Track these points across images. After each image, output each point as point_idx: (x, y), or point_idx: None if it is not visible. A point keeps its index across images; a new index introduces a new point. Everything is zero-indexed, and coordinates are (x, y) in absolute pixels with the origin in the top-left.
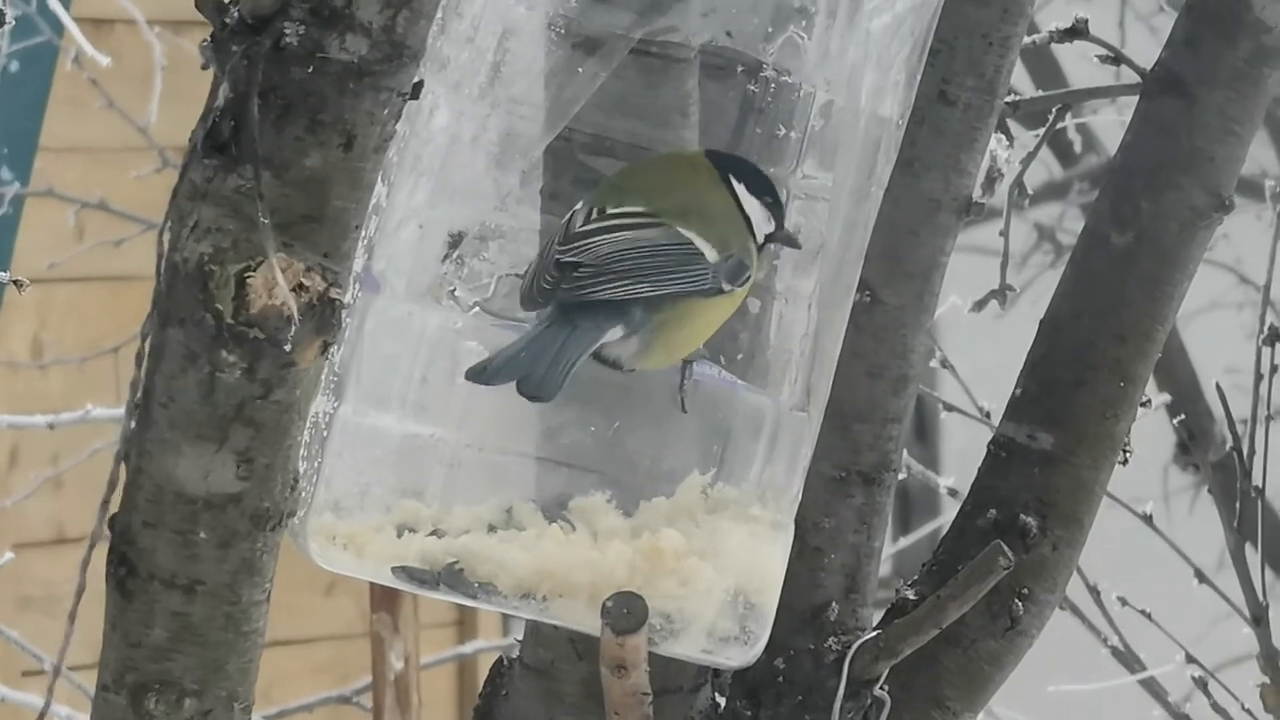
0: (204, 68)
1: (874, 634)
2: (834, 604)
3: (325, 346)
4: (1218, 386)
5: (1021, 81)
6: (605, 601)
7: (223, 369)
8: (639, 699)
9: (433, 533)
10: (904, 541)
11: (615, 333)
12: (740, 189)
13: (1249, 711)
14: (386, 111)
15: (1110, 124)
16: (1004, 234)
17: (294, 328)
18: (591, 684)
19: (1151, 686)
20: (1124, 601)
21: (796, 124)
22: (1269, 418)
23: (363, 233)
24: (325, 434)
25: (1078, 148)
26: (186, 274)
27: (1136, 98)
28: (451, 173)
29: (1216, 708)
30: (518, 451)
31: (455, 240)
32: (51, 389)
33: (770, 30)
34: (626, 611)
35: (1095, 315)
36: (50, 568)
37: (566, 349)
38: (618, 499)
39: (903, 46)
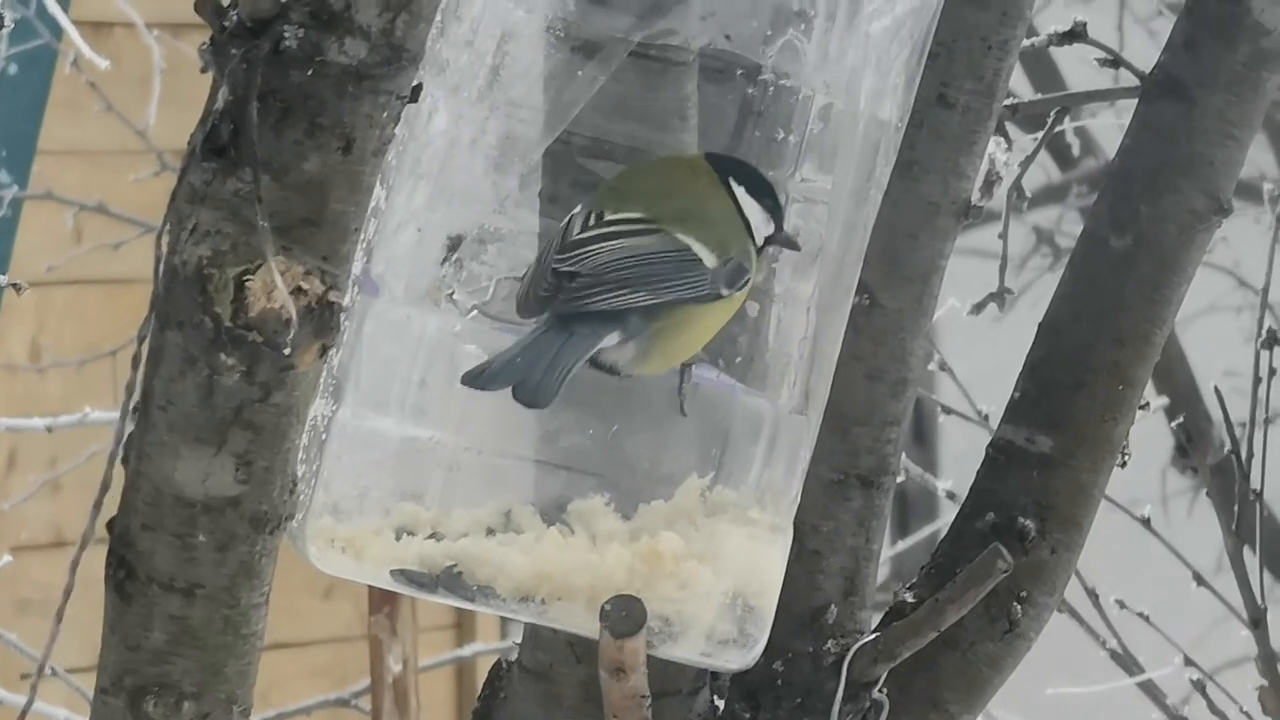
0: (203, 71)
1: (872, 637)
2: (832, 607)
3: (324, 349)
4: (1216, 390)
5: (1020, 84)
6: (604, 604)
7: (221, 372)
8: (638, 702)
9: (431, 536)
10: (902, 544)
11: (612, 339)
12: (739, 191)
13: (1247, 714)
14: (385, 115)
15: (1109, 127)
16: (1003, 237)
17: (293, 331)
18: (590, 687)
19: (1150, 689)
20: (1122, 604)
21: (795, 127)
22: (1267, 421)
23: (361, 236)
24: (324, 437)
25: (1076, 151)
26: (185, 277)
27: (1135, 101)
28: (450, 176)
29: (1215, 710)
30: (516, 454)
31: (454, 243)
32: (50, 392)
33: (769, 33)
34: (625, 614)
35: (1094, 318)
36: (48, 570)
37: (562, 355)
38: (616, 502)
39: (902, 49)
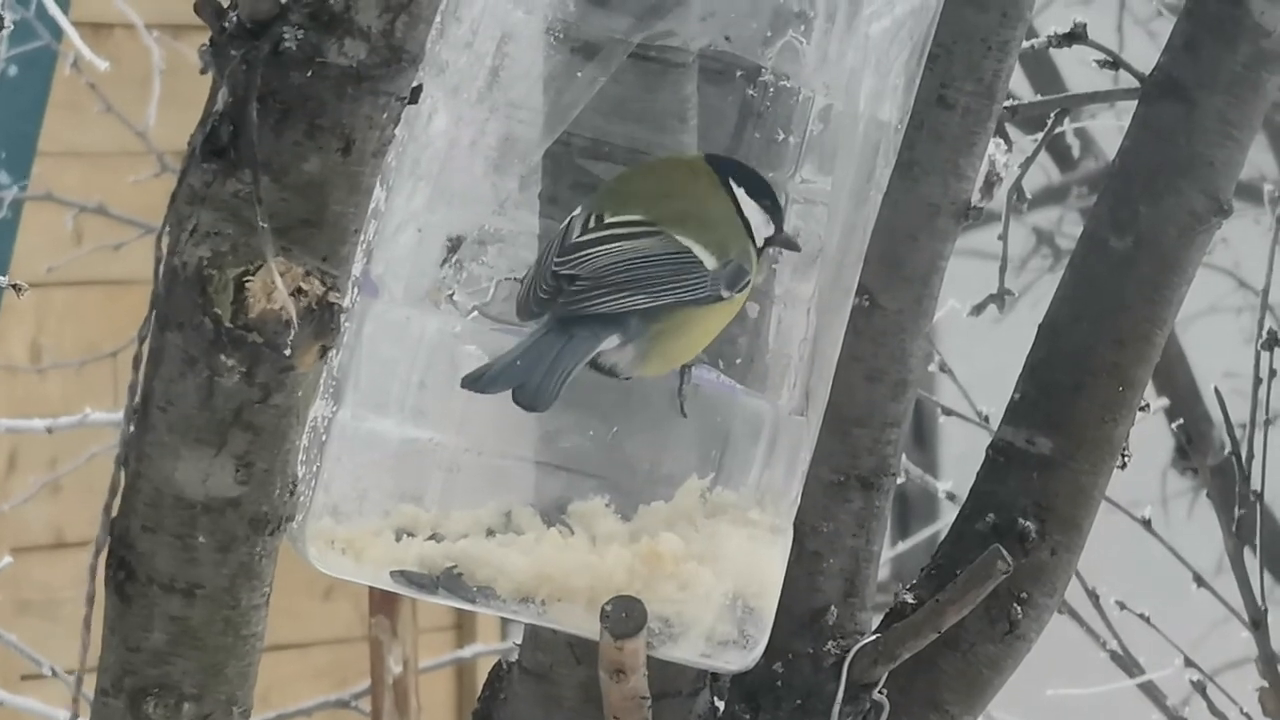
0: (203, 72)
1: (873, 638)
2: (833, 608)
3: (324, 351)
4: (1216, 391)
5: (1020, 86)
6: (604, 605)
7: (221, 373)
8: (637, 703)
9: (431, 537)
10: (903, 545)
11: (612, 341)
12: (739, 192)
13: (1247, 715)
14: (385, 116)
15: (1109, 128)
16: (1003, 238)
17: (293, 332)
18: (590, 688)
19: (1150, 690)
20: (1123, 605)
21: (795, 128)
22: (1267, 422)
23: (361, 237)
24: (324, 438)
25: (1076, 152)
26: (185, 278)
27: (1135, 102)
28: (450, 177)
29: (1215, 711)
30: (516, 456)
31: (454, 244)
32: (50, 393)
33: (769, 34)
34: (625, 615)
35: (1094, 319)
36: (49, 572)
37: (562, 358)
38: (616, 503)
39: (901, 51)
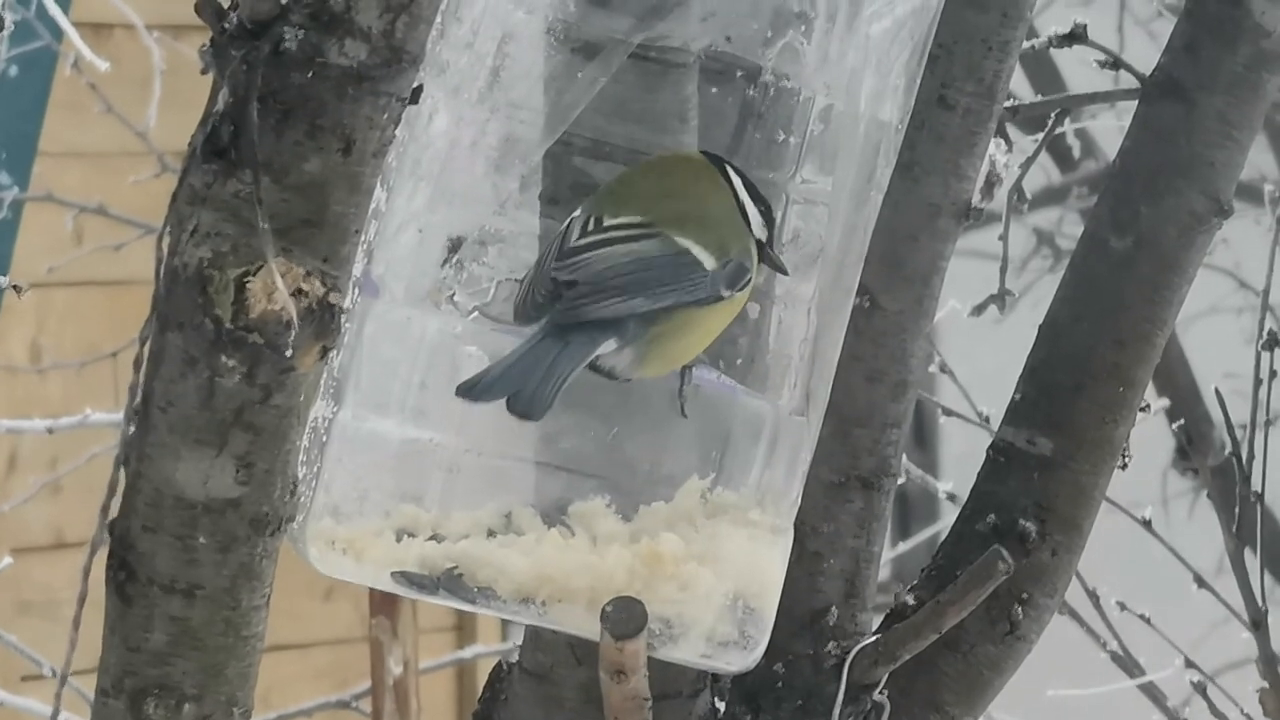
0: (203, 72)
1: (873, 639)
2: (833, 609)
3: (324, 351)
4: (1217, 391)
5: (1020, 86)
6: (604, 606)
7: (222, 373)
8: (638, 704)
9: (432, 537)
10: (903, 546)
11: (609, 345)
12: (738, 182)
13: (1247, 716)
14: (386, 116)
15: (1109, 129)
16: (1003, 239)
17: (293, 332)
18: (591, 689)
19: (1151, 691)
20: (1123, 606)
21: (796, 129)
22: (1268, 422)
23: (362, 237)
24: (324, 439)
25: (1077, 153)
26: (186, 278)
27: (1136, 103)
28: (450, 177)
29: (1215, 712)
30: (517, 456)
31: (454, 245)
32: (50, 393)
33: (769, 35)
34: (626, 616)
35: (1094, 320)
36: (49, 572)
37: (558, 365)
38: (617, 504)
39: (902, 51)
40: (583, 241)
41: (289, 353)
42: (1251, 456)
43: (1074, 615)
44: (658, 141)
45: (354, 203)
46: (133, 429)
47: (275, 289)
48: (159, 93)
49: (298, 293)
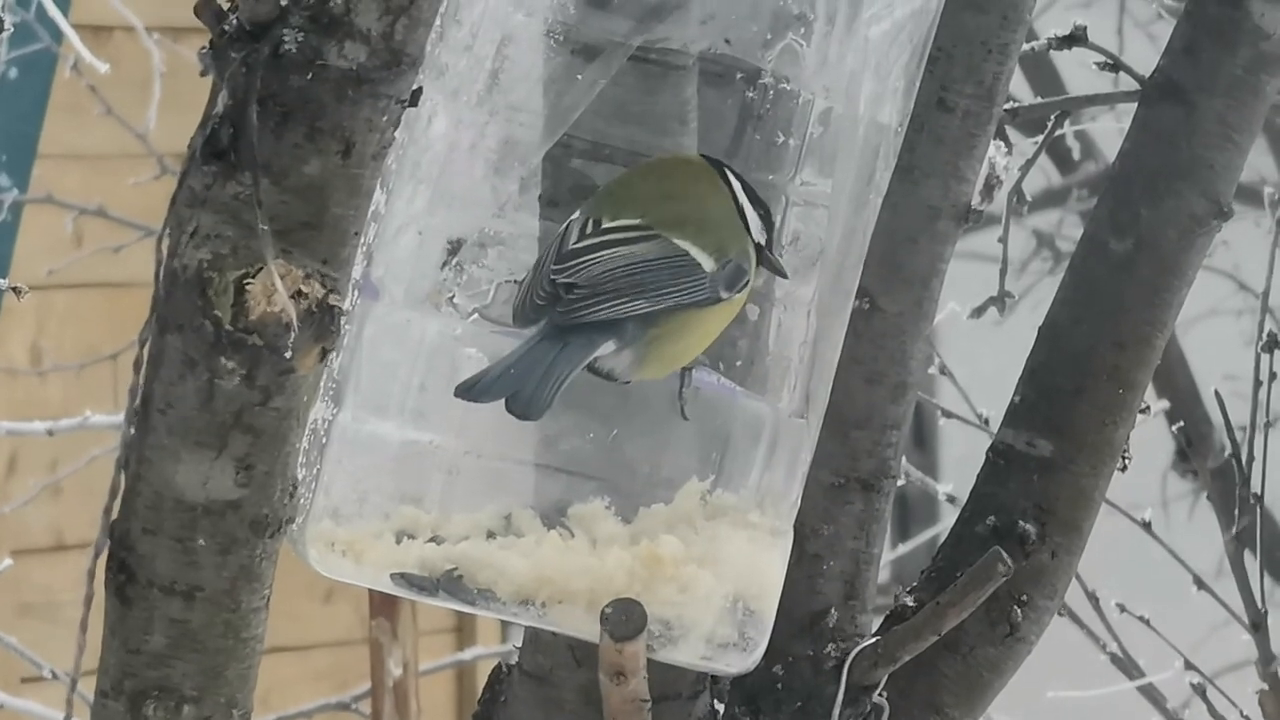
0: (203, 74)
1: (873, 640)
2: (833, 610)
3: (324, 353)
4: (1216, 393)
5: (1020, 88)
6: (604, 608)
7: (222, 375)
8: (637, 706)
9: (432, 539)
10: (903, 548)
11: (608, 347)
12: (736, 184)
13: (1247, 718)
14: (385, 119)
15: (1109, 131)
16: (1003, 241)
17: (293, 334)
18: (590, 691)
19: (1150, 693)
20: (1123, 608)
21: (795, 131)
22: (1268, 424)
23: (362, 239)
24: (324, 441)
25: (1076, 155)
26: (185, 280)
27: (1135, 105)
28: (450, 180)
29: (1215, 714)
30: (516, 458)
31: (454, 247)
32: (50, 395)
33: (769, 37)
34: (625, 618)
35: (1094, 322)
36: (49, 574)
37: (557, 366)
38: (617, 506)
39: (901, 53)
40: (582, 244)
41: (289, 355)
42: (1251, 458)
43: (1073, 617)
44: (657, 144)
45: (353, 205)
46: (132, 431)
47: (275, 291)
48: (159, 95)
49: (297, 295)
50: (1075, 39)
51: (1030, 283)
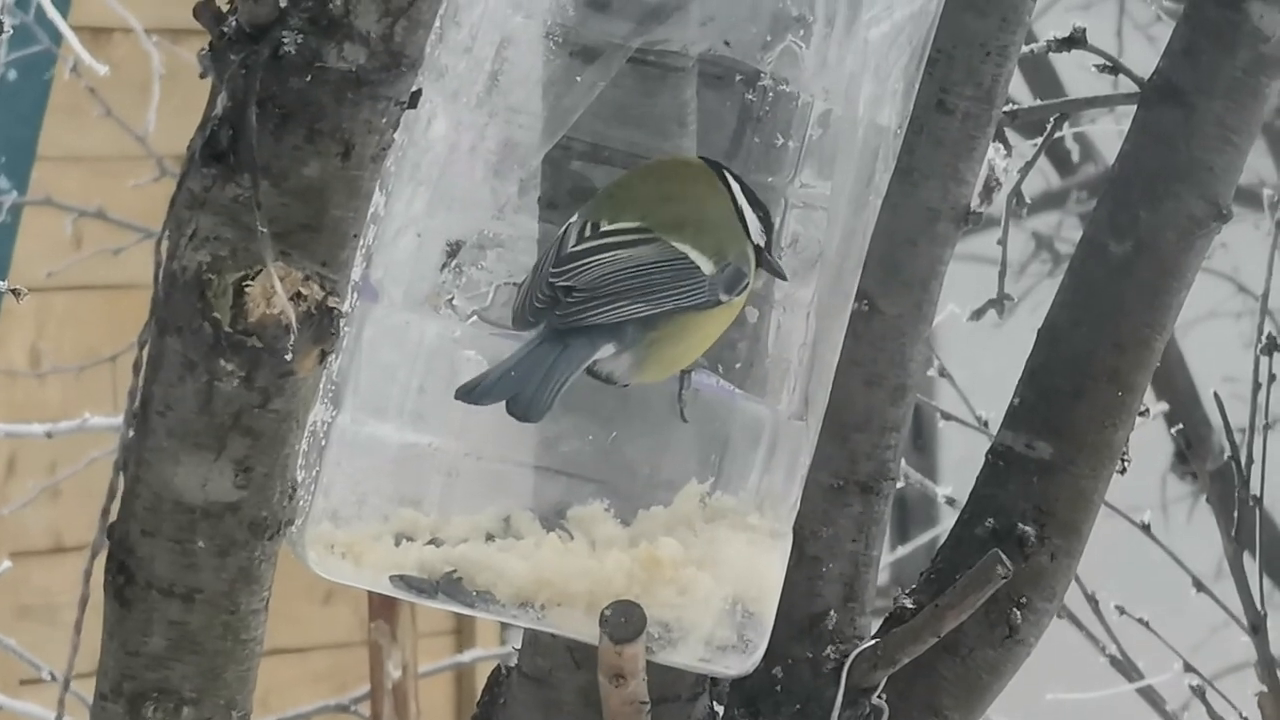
0: (202, 76)
1: (872, 642)
2: (832, 613)
3: (323, 355)
4: (1216, 395)
5: (1019, 90)
6: (603, 610)
7: (221, 378)
8: (637, 708)
9: (431, 541)
10: (902, 550)
11: (607, 350)
12: (736, 187)
13: None
14: (384, 120)
15: (1108, 133)
16: (1002, 243)
17: (292, 336)
18: (589, 692)
19: (1149, 695)
20: (1122, 610)
21: (794, 133)
22: (1267, 426)
23: (361, 241)
24: (323, 443)
25: (1076, 157)
26: (184, 282)
27: (1134, 107)
28: (449, 181)
29: (1214, 716)
30: (516, 460)
31: (453, 249)
32: (49, 397)
33: (768, 39)
34: (624, 620)
35: (1093, 324)
36: (48, 576)
37: (557, 369)
38: (616, 508)
39: (901, 55)
40: (580, 247)
41: (288, 357)
42: (1250, 460)
43: (1073, 619)
44: (656, 146)
45: (353, 207)
46: (131, 433)
47: (274, 293)
48: (158, 97)
49: (296, 297)
50: (1074, 41)
51: (1029, 285)
